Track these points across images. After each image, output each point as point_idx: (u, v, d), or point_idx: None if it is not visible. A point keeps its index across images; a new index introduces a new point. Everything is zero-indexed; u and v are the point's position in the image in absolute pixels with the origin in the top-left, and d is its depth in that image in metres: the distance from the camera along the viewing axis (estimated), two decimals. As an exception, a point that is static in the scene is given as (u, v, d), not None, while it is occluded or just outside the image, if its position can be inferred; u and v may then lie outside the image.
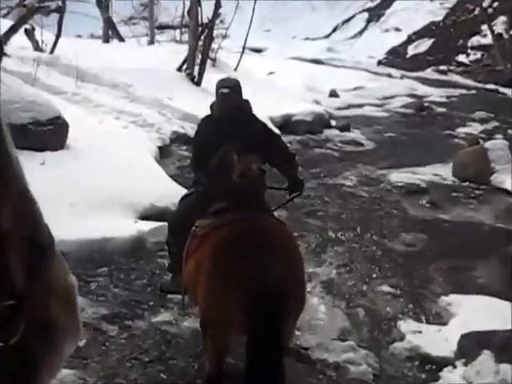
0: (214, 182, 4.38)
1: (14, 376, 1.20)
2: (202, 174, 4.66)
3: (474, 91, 24.74)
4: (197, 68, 15.50)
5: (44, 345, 1.26)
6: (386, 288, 6.25)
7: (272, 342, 3.56)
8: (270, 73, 21.92)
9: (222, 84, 4.76)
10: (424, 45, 35.03)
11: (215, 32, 17.77)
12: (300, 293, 3.90)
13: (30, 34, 15.33)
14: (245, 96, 4.84)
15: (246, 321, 3.58)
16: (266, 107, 13.12)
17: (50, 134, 8.25)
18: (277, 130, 13.10)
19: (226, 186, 4.27)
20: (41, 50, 15.04)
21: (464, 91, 24.51)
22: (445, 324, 5.51)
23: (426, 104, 19.91)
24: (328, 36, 44.95)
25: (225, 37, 20.66)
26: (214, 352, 3.95)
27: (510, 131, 15.30)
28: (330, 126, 15.16)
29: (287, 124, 14.19)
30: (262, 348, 3.56)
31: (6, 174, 1.19)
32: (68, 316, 1.33)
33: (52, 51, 15.09)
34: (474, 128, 16.19)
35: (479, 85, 26.56)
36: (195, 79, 15.28)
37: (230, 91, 4.67)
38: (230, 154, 4.34)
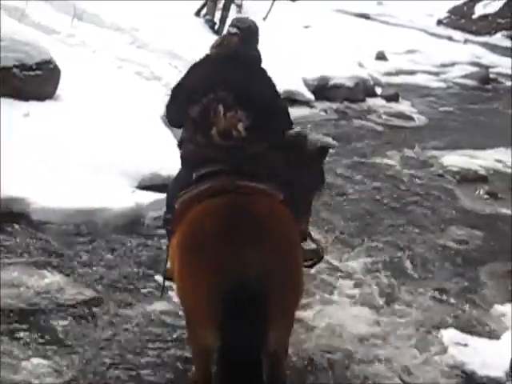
0: (193, 139, 4.19)
1: None
2: (177, 126, 4.59)
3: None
4: (218, 14, 15.41)
5: None
6: (427, 290, 6.22)
7: (250, 342, 3.36)
8: (307, 26, 21.75)
9: (233, 22, 4.71)
10: (494, 4, 34.61)
11: (243, -29, 17.66)
12: (290, 283, 3.61)
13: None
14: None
15: (218, 315, 3.36)
16: (298, 67, 13.06)
17: (37, 80, 8.27)
18: (309, 95, 13.13)
19: (206, 146, 4.09)
20: (32, -20, 14.98)
21: (540, 63, 24.20)
22: (496, 338, 5.45)
23: (492, 76, 19.65)
24: (379, -14, 44.64)
25: (254, -22, 20.50)
26: (195, 352, 3.87)
27: None
28: (374, 95, 15.01)
29: (323, 88, 13.96)
30: (236, 351, 3.36)
31: None
32: None
33: (46, -18, 15.04)
34: (550, 108, 16.01)
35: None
36: (215, 27, 15.17)
37: (238, 32, 4.56)
38: (215, 106, 4.14)
